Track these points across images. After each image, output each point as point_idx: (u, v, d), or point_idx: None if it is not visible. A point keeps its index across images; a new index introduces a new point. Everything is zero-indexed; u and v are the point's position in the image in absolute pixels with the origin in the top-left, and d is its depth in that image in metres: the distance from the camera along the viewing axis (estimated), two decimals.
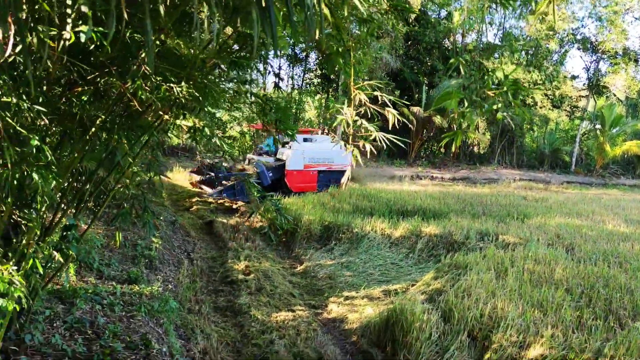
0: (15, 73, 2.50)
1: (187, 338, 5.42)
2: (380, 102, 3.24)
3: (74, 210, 3.78)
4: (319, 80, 31.50)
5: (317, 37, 2.01)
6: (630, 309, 6.23)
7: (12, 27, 1.93)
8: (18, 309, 2.75)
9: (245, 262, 8.65)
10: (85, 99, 2.80)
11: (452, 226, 10.78)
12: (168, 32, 2.76)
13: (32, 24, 2.04)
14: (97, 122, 2.93)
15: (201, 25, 2.92)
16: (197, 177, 15.45)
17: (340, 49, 3.04)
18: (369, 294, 7.67)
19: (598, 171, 32.92)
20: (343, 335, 6.36)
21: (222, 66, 3.11)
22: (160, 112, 2.99)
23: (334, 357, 5.47)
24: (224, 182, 14.49)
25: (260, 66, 4.05)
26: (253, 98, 3.59)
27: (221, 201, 14.95)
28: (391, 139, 3.13)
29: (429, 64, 30.93)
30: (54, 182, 2.80)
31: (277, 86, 4.36)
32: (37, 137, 2.36)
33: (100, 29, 2.11)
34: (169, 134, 4.40)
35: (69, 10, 2.04)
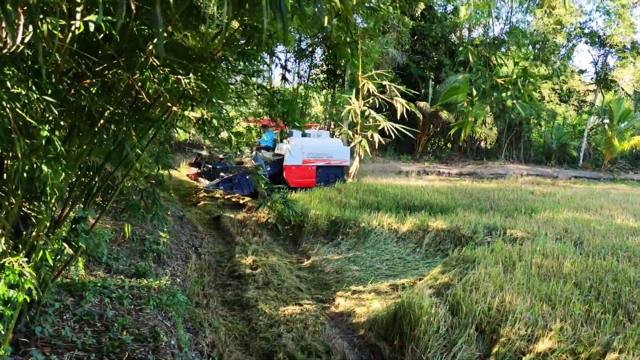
0: (24, 65, 2.51)
1: (195, 331, 5.45)
2: (389, 92, 3.22)
3: (82, 205, 3.79)
4: (325, 75, 31.43)
5: (326, 24, 2.00)
6: None
7: (22, 17, 1.94)
8: (29, 300, 2.76)
9: (252, 256, 8.67)
10: (94, 91, 2.81)
11: (459, 221, 10.75)
12: (176, 23, 2.75)
13: (41, 15, 2.04)
14: (106, 114, 2.94)
15: (209, 18, 2.92)
16: (194, 170, 15.37)
17: (348, 39, 3.03)
18: (376, 288, 7.67)
19: (606, 166, 32.69)
20: (351, 329, 6.37)
21: (230, 59, 3.11)
22: (169, 104, 2.99)
23: (342, 350, 5.46)
24: (221, 174, 14.40)
25: (268, 60, 4.05)
26: (260, 90, 3.59)
27: (228, 196, 14.99)
28: (399, 128, 3.11)
29: (435, 58, 30.77)
30: (63, 173, 2.82)
31: (284, 78, 4.35)
32: (46, 128, 2.36)
33: (109, 17, 2.10)
34: (176, 129, 4.42)
35: (78, 0, 2.04)
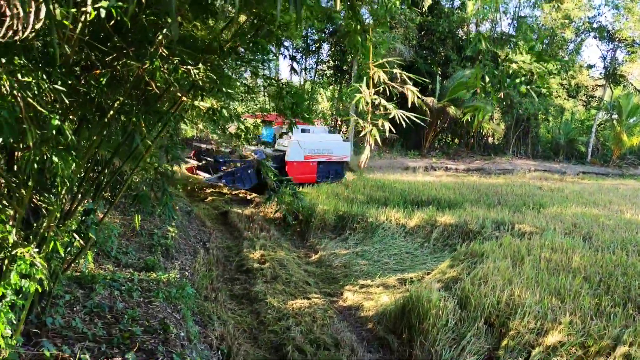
0: (34, 55, 2.52)
1: (204, 325, 5.46)
2: (399, 80, 3.21)
3: (90, 200, 3.80)
4: (332, 71, 31.39)
5: (338, 8, 1.99)
6: None
7: (33, 4, 1.94)
8: (40, 290, 2.78)
9: (260, 251, 8.68)
10: (104, 81, 2.81)
11: (467, 216, 10.73)
12: (185, 13, 2.75)
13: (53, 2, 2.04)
14: (115, 105, 2.94)
15: (219, 9, 2.91)
16: (193, 162, 15.22)
17: (358, 27, 3.01)
18: (384, 282, 7.66)
19: (615, 161, 32.48)
20: (359, 323, 6.37)
21: (240, 49, 3.10)
22: (179, 94, 2.99)
23: (351, 343, 5.47)
24: (223, 168, 14.28)
25: (277, 51, 4.04)
26: (269, 81, 3.59)
27: (235, 192, 15.00)
28: (410, 116, 3.09)
29: (442, 54, 30.64)
30: (74, 164, 2.82)
31: (293, 69, 4.34)
32: (57, 117, 2.37)
33: (120, 3, 2.10)
34: (185, 121, 4.42)
35: None
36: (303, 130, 15.41)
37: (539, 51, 2.79)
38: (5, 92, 2.25)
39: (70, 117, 3.11)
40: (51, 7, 1.94)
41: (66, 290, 4.29)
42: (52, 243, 2.93)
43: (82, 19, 2.63)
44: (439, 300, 5.80)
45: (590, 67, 35.56)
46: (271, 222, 11.57)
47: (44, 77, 2.36)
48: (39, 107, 2.31)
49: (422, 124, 3.31)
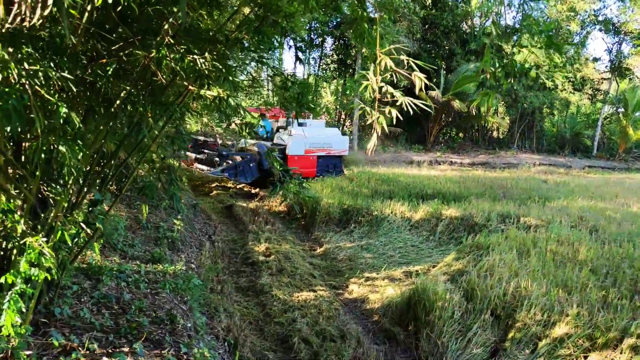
0: (41, 43, 2.52)
1: (210, 316, 5.48)
2: (407, 67, 3.19)
3: (97, 191, 3.81)
4: (336, 65, 31.31)
5: None
6: None
7: None
8: (49, 279, 2.79)
9: (265, 244, 8.69)
10: (110, 70, 2.81)
11: (472, 209, 10.71)
12: (191, 1, 2.74)
13: None
14: (122, 94, 2.94)
15: None
16: (191, 155, 14.91)
17: (364, 14, 3.00)
18: (389, 275, 7.66)
19: (621, 155, 32.29)
20: (365, 315, 6.37)
21: (246, 37, 3.09)
22: (185, 83, 2.99)
23: (357, 335, 5.47)
24: (228, 160, 14.10)
25: (283, 43, 4.03)
26: (275, 71, 3.58)
27: (240, 186, 14.99)
28: (418, 104, 3.08)
29: (446, 48, 30.49)
30: (81, 153, 2.83)
31: (298, 59, 4.33)
32: (65, 106, 2.37)
33: None
34: (190, 113, 4.41)
35: None
36: (300, 124, 15.28)
37: (549, 34, 2.77)
38: (13, 80, 2.26)
39: (77, 107, 3.11)
40: None
41: (74, 281, 4.31)
42: (60, 233, 2.94)
43: (89, 8, 2.63)
44: (444, 293, 5.79)
45: (595, 60, 35.31)
46: (276, 215, 11.59)
47: (52, 65, 2.36)
48: (47, 96, 2.31)
49: (429, 109, 3.29)
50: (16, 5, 1.93)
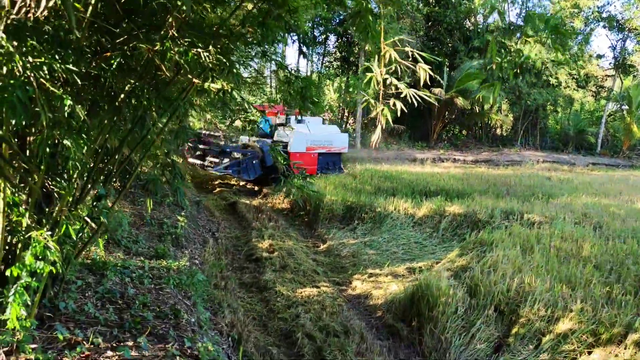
0: (45, 36, 2.52)
1: (214, 312, 5.49)
2: (411, 58, 3.18)
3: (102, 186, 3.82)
4: (339, 63, 31.29)
5: None
6: None
7: None
8: (54, 272, 2.79)
9: (269, 240, 8.70)
10: (114, 64, 2.81)
11: (476, 205, 10.69)
12: None
13: None
14: (126, 88, 2.95)
15: None
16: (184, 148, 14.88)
17: (369, 6, 2.99)
18: (392, 271, 7.66)
19: (625, 152, 32.20)
20: (368, 311, 6.38)
21: (250, 30, 3.09)
22: (189, 76, 2.99)
23: (360, 330, 5.47)
24: (234, 155, 14.02)
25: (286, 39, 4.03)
26: (279, 65, 3.58)
27: (243, 183, 15.00)
28: (423, 96, 3.07)
29: (449, 45, 30.43)
30: (85, 147, 2.84)
31: (302, 53, 4.32)
32: (69, 98, 2.37)
33: None
34: (193, 108, 4.42)
35: None
36: (299, 121, 15.24)
37: (556, 24, 2.75)
38: (18, 73, 2.26)
39: (82, 101, 3.12)
40: None
41: (78, 276, 4.32)
42: (65, 227, 2.95)
43: (93, 1, 2.63)
44: (448, 288, 5.79)
45: (599, 57, 35.22)
46: (279, 212, 11.60)
47: (56, 58, 2.37)
48: (52, 88, 2.32)
49: (434, 102, 3.28)
50: None
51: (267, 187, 13.84)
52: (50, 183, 3.22)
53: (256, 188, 14.63)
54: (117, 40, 2.79)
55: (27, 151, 3.11)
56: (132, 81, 2.92)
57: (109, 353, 3.20)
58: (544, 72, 28.96)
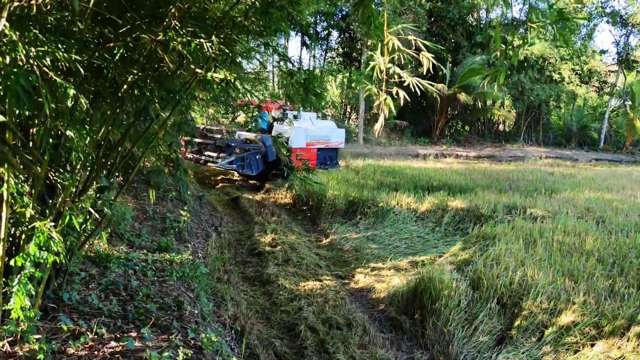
0: (48, 26, 2.52)
1: (217, 305, 5.50)
2: (414, 48, 3.18)
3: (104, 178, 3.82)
4: (341, 59, 31.25)
5: None
6: None
7: None
8: (58, 261, 2.81)
9: (271, 235, 8.71)
10: (117, 55, 2.82)
11: (478, 200, 10.70)
12: None
13: None
14: (129, 79, 2.95)
15: None
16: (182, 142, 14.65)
17: None
18: (395, 265, 7.67)
19: (628, 148, 32.16)
20: (371, 304, 6.39)
21: (253, 19, 3.08)
22: (192, 66, 2.99)
23: (363, 323, 5.48)
24: (237, 151, 13.91)
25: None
26: (281, 56, 3.58)
27: (245, 178, 15.00)
28: (425, 84, 3.07)
29: (452, 40, 30.36)
30: (88, 138, 2.84)
31: (305, 44, 4.32)
32: (72, 87, 2.38)
33: None
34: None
35: None
36: (295, 117, 15.17)
37: (561, 9, 2.74)
38: (21, 62, 2.26)
39: (85, 92, 3.12)
40: None
41: (82, 268, 4.34)
42: (68, 218, 2.96)
43: None
44: (451, 281, 5.79)
45: (603, 52, 35.12)
46: (282, 207, 11.60)
47: (60, 47, 2.37)
48: (54, 77, 2.32)
49: (436, 91, 3.27)
50: None
51: (268, 182, 13.83)
52: (53, 174, 3.23)
53: (257, 183, 14.62)
54: (120, 31, 2.79)
55: (31, 142, 3.12)
56: (135, 72, 2.92)
57: (113, 343, 3.21)
58: (547, 68, 28.91)
